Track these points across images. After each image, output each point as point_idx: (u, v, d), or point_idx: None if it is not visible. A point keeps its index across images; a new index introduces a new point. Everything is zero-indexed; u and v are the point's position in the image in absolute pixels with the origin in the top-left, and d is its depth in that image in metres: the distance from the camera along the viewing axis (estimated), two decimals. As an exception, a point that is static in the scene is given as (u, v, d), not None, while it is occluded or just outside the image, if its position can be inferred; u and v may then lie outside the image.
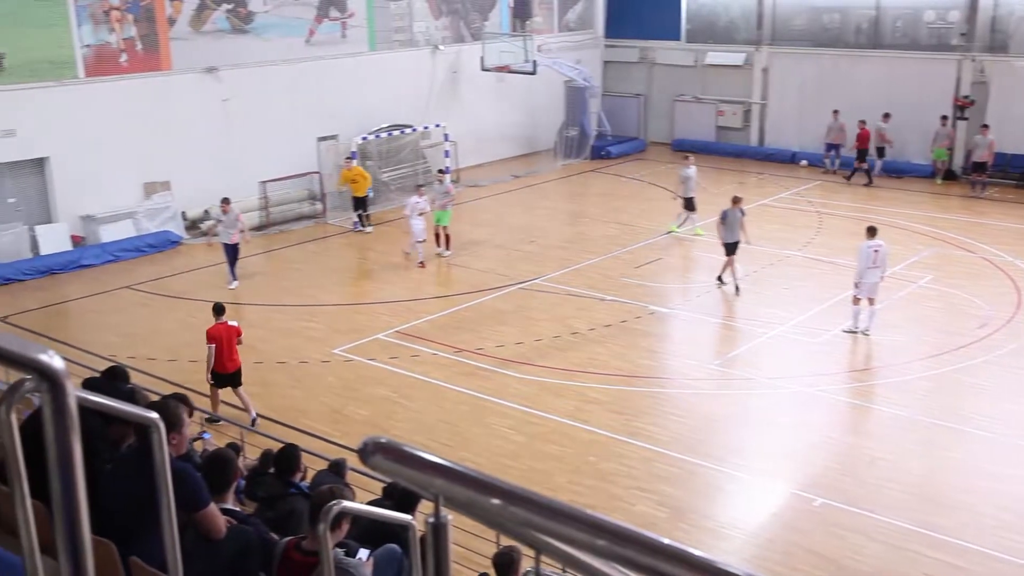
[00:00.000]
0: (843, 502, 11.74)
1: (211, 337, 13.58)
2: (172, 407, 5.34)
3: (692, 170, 22.66)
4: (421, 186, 21.88)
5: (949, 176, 28.55)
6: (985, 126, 27.31)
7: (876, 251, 16.63)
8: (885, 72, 29.63)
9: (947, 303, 18.55)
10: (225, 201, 19.67)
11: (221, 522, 5.20)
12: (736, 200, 19.52)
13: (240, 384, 13.85)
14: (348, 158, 24.27)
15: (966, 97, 28.46)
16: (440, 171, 23.71)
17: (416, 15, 29.15)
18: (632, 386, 15.20)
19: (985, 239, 22.65)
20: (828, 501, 11.78)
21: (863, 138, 28.26)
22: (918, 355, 16.11)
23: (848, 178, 28.63)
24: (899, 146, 28.55)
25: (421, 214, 20.83)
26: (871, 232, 16.87)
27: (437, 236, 21.79)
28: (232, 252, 19.61)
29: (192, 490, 5.01)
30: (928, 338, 16.85)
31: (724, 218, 19.23)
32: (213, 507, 5.14)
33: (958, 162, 28.59)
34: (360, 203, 23.91)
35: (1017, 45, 28.27)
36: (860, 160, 28.33)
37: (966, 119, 28.36)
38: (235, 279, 19.71)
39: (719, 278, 19.40)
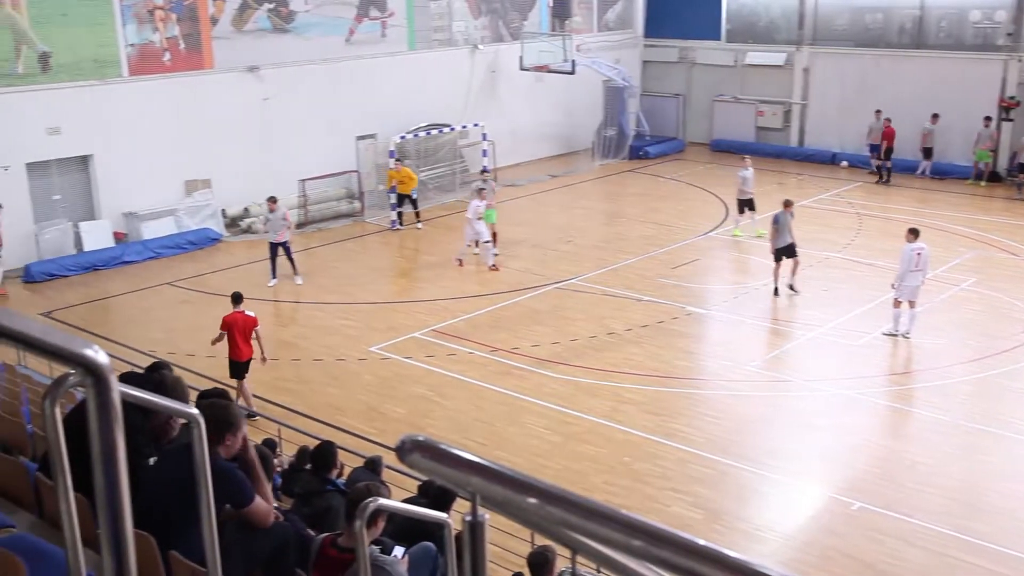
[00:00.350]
0: (881, 506, 11.61)
1: (224, 324, 13.77)
2: (230, 409, 5.28)
3: (749, 171, 22.40)
4: (482, 189, 21.29)
5: (994, 178, 28.14)
6: (1032, 127, 26.97)
7: (919, 254, 16.37)
8: (928, 73, 29.24)
9: (990, 306, 18.28)
10: (272, 200, 19.71)
11: (267, 512, 5.18)
12: (787, 204, 19.22)
13: (244, 376, 13.92)
14: (397, 160, 24.34)
15: (1012, 98, 28.02)
16: (483, 171, 23.57)
17: (455, 14, 29.21)
18: (668, 387, 15.14)
19: (1030, 242, 22.30)
20: (866, 505, 11.66)
21: (888, 136, 28.21)
22: (960, 359, 15.89)
23: (884, 180, 28.35)
24: (943, 148, 28.18)
25: (480, 218, 20.62)
26: (914, 234, 16.59)
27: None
28: (275, 250, 19.69)
29: (236, 489, 4.99)
30: (970, 342, 16.61)
31: (776, 222, 18.89)
32: (259, 501, 5.12)
33: (1002, 164, 28.17)
34: (402, 200, 24.00)
35: (1065, 45, 27.82)
36: (885, 158, 28.38)
37: (1011, 120, 27.93)
38: (275, 277, 19.83)
39: (790, 286, 18.82)
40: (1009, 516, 11.41)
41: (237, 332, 13.69)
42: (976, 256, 21.29)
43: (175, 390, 5.73)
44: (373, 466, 8.85)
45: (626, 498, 11.66)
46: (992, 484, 12.23)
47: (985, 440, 13.36)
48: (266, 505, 5.19)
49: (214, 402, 5.34)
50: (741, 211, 22.76)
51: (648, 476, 12.42)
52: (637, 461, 12.80)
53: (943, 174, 28.51)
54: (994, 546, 10.78)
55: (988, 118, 27.95)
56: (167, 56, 22.83)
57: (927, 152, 28.40)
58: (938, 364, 15.70)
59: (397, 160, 24.30)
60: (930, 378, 15.26)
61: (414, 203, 24.17)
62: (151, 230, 22.27)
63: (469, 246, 20.94)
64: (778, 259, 18.75)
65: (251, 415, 13.21)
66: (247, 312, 13.94)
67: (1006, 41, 28.37)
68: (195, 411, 3.05)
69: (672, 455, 12.94)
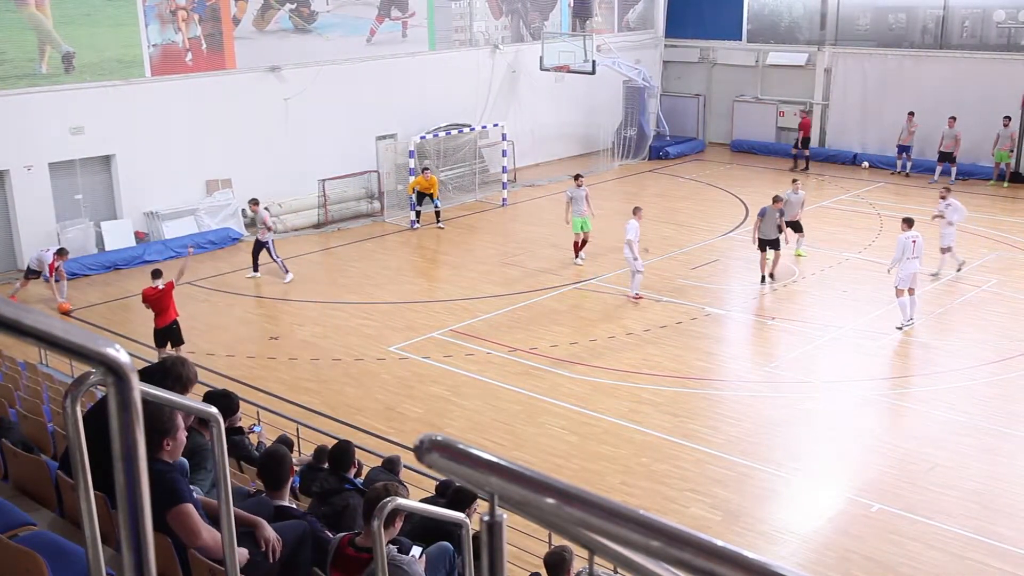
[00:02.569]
0: (901, 508, 11.54)
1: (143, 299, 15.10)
2: (165, 414, 4.92)
3: (800, 194, 21.48)
4: (638, 208, 19.48)
5: (1016, 179, 27.92)
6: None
7: (914, 241, 16.93)
8: (952, 73, 29.03)
9: (1011, 308, 18.13)
10: (254, 201, 20.46)
11: (197, 527, 4.79)
12: (776, 200, 19.67)
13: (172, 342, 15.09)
14: (424, 168, 24.38)
15: (1035, 98, 27.80)
16: (576, 176, 21.89)
17: (476, 15, 29.24)
18: (686, 388, 15.09)
19: (1053, 243, 22.11)
20: (885, 507, 11.59)
21: (804, 127, 30.12)
22: (981, 360, 15.77)
23: (804, 168, 29.71)
24: (967, 148, 27.94)
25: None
26: (908, 223, 17.20)
27: (576, 244, 21.16)
28: (259, 247, 20.22)
29: (165, 490, 4.72)
30: (992, 343, 16.49)
31: (762, 215, 19.44)
32: (191, 510, 4.80)
33: (1025, 164, 27.95)
34: (421, 199, 24.08)
35: (1089, 45, 27.56)
36: (803, 147, 30.18)
37: (1035, 121, 27.70)
38: (256, 271, 20.43)
39: (771, 275, 19.62)
40: (1031, 520, 11.31)
41: (152, 304, 14.88)
42: (998, 257, 21.12)
43: (177, 374, 5.71)
44: (391, 466, 8.87)
45: (644, 499, 11.63)
46: (1013, 487, 12.12)
47: (1006, 442, 13.25)
48: (204, 527, 4.81)
49: (148, 409, 5.04)
50: (797, 230, 21.34)
51: (666, 477, 12.39)
52: (655, 462, 12.77)
53: (967, 175, 28.28)
54: (1016, 549, 10.69)
55: (1008, 118, 27.73)
56: (189, 56, 22.97)
57: (945, 156, 28.00)
58: (960, 365, 15.59)
59: (425, 169, 24.39)
60: (951, 380, 15.15)
61: (435, 204, 24.23)
62: (172, 229, 22.40)
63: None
64: (762, 249, 19.49)
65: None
66: (158, 286, 14.84)
67: (1030, 41, 28.13)
68: (214, 410, 3.07)
69: (691, 456, 12.90)
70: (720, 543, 1.64)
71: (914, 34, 30.59)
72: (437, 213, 24.27)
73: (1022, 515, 11.43)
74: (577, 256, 21.10)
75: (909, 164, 29.02)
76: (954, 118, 27.77)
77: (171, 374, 5.74)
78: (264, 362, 16.12)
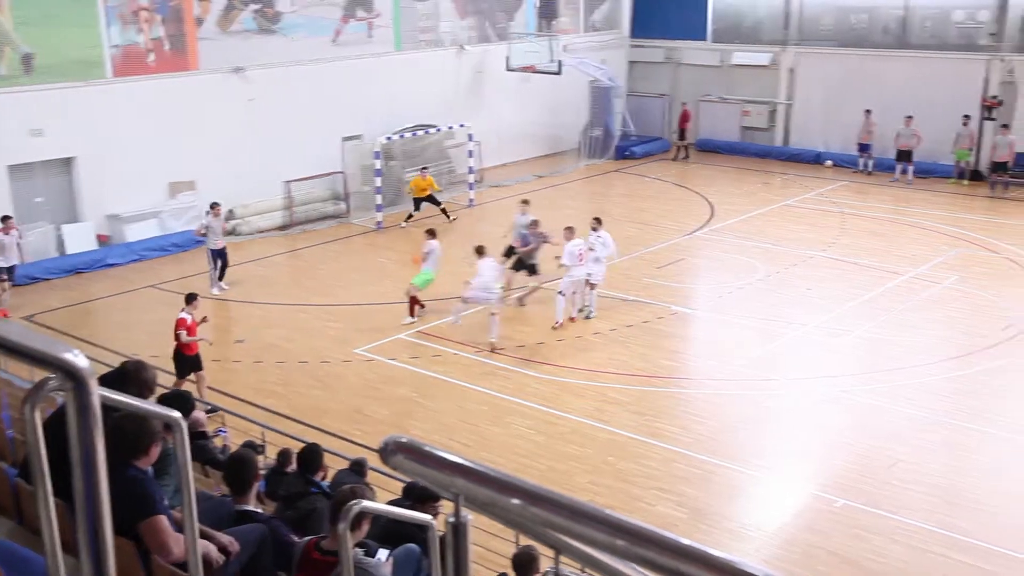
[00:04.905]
0: (865, 503, 11.67)
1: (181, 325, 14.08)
2: (150, 422, 4.88)
3: (527, 218, 19.24)
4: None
5: (976, 177, 28.31)
6: (1005, 126, 27.21)
7: (590, 249, 17.42)
8: (913, 72, 29.39)
9: (971, 304, 18.39)
10: (215, 205, 19.57)
11: (166, 540, 4.71)
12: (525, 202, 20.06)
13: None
14: (423, 168, 24.70)
15: (994, 97, 28.20)
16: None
17: (442, 15, 29.19)
18: (653, 386, 15.16)
19: (1010, 239, 22.45)
20: (849, 502, 11.71)
21: (684, 118, 31.79)
22: (942, 356, 15.98)
23: (683, 156, 31.38)
24: (928, 147, 28.28)
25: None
26: (570, 232, 17.54)
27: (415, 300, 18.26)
28: (217, 257, 19.47)
29: (139, 498, 4.69)
30: (953, 339, 16.73)
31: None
32: (164, 521, 4.72)
33: (983, 163, 28.33)
34: (418, 204, 24.19)
35: (1046, 45, 28.01)
36: (681, 139, 31.94)
37: (993, 119, 28.10)
38: (223, 284, 19.64)
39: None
40: (991, 512, 11.48)
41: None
42: (958, 254, 21.41)
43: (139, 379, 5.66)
44: (358, 468, 8.83)
45: (611, 498, 11.67)
46: (975, 481, 12.30)
47: (968, 437, 13.44)
48: (173, 535, 4.75)
49: (129, 415, 4.74)
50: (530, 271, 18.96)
51: (633, 476, 12.44)
52: (622, 461, 12.82)
53: (928, 173, 28.63)
54: (977, 542, 10.85)
55: (967, 117, 28.12)
56: (152, 57, 22.73)
57: (903, 155, 28.34)
58: (921, 362, 15.79)
59: (424, 168, 24.61)
60: (913, 376, 15.33)
61: (435, 203, 24.39)
62: (135, 232, 22.15)
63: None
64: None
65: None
66: (180, 314, 14.14)
67: (988, 41, 28.54)
68: (177, 413, 3.03)
69: (657, 455, 12.96)
70: (685, 541, 1.65)
71: (876, 34, 30.94)
72: (443, 210, 24.35)
73: (982, 508, 11.59)
74: (413, 315, 17.80)
75: (871, 162, 29.34)
76: (910, 117, 28.11)
77: (131, 378, 5.69)
78: (229, 366, 15.99)
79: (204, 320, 14.28)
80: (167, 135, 22.61)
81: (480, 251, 17.15)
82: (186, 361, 14.08)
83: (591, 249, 17.73)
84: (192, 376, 14.16)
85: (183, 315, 14.01)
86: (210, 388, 14.46)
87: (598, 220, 18.52)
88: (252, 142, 24.13)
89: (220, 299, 19.25)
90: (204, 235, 19.53)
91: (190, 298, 14.33)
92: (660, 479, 12.35)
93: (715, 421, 14.05)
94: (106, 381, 5.63)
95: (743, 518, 11.76)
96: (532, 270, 18.81)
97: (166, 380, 13.25)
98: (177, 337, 13.93)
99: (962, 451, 13.13)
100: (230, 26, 24.13)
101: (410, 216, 24.28)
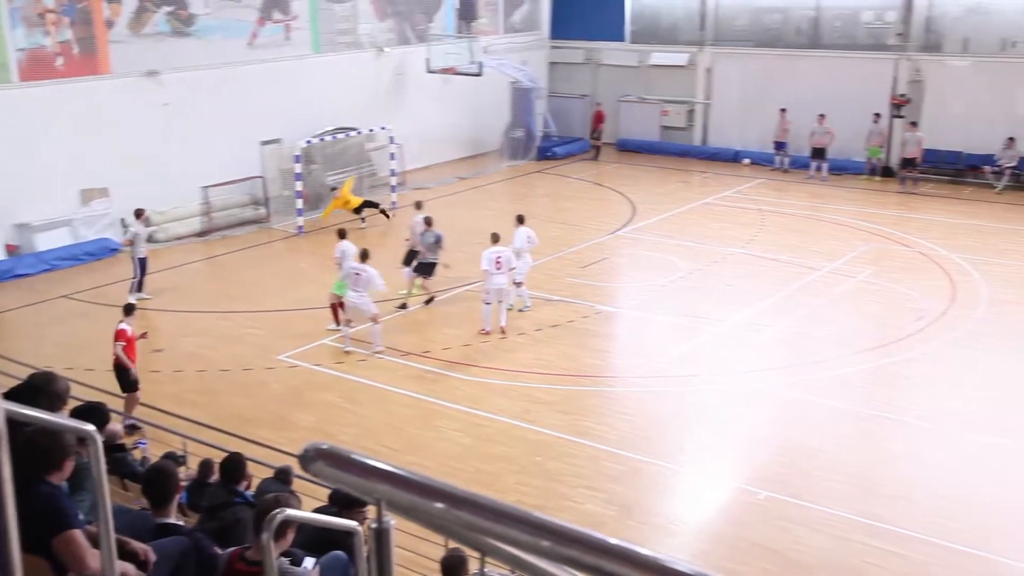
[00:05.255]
0: (787, 495, 11.90)
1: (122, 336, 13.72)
2: (65, 436, 4.77)
3: (418, 218, 19.07)
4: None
5: (887, 173, 29.12)
6: (913, 123, 28.09)
7: (499, 259, 16.96)
8: (825, 71, 30.12)
9: (885, 297, 18.90)
10: (140, 212, 19.23)
11: (84, 554, 4.60)
12: (418, 203, 20.05)
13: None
14: (333, 188, 24.91)
15: (902, 95, 29.07)
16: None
17: (361, 17, 28.96)
18: (579, 386, 15.25)
19: (921, 234, 23.14)
20: (772, 494, 11.93)
21: (598, 118, 32.43)
22: (857, 348, 16.39)
23: (594, 159, 32.08)
24: (840, 144, 29.00)
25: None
26: (495, 239, 17.37)
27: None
28: (143, 265, 19.12)
29: (54, 512, 4.59)
30: (867, 332, 17.17)
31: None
32: (80, 536, 4.60)
33: (894, 159, 29.16)
34: (360, 210, 24.03)
35: (951, 45, 28.96)
36: (595, 137, 32.65)
37: (902, 117, 28.95)
38: (142, 293, 19.17)
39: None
40: (906, 499, 11.81)
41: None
42: (872, 249, 21.98)
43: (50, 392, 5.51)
44: (283, 476, 8.71)
45: (540, 498, 11.71)
46: (890, 469, 12.65)
47: (883, 427, 13.81)
48: (89, 549, 4.61)
49: (41, 430, 4.57)
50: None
51: (561, 475, 12.49)
52: (550, 460, 12.86)
53: (841, 170, 29.36)
54: (892, 528, 11.15)
55: (877, 115, 28.93)
56: (60, 61, 22.10)
57: (817, 152, 29.01)
58: (837, 354, 16.16)
59: (333, 189, 24.68)
60: (830, 368, 15.69)
61: (373, 206, 24.35)
62: (45, 241, 21.50)
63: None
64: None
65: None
66: (120, 325, 13.77)
67: (896, 41, 29.38)
68: (90, 427, 2.95)
69: (585, 453, 13.04)
70: (611, 540, 1.65)
71: (789, 34, 31.63)
72: (383, 211, 24.39)
73: (898, 496, 11.92)
74: (338, 322, 17.13)
75: (787, 160, 29.97)
76: (823, 115, 28.81)
77: (42, 391, 5.52)
78: (147, 375, 15.58)
79: (144, 336, 13.93)
80: (78, 141, 22.01)
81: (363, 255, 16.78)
82: (127, 374, 13.73)
83: (517, 255, 17.67)
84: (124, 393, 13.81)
85: (123, 327, 13.69)
86: (124, 399, 14.11)
87: (520, 218, 18.60)
88: (168, 147, 23.64)
89: (139, 308, 18.76)
90: (131, 243, 19.11)
91: (128, 309, 14.02)
92: (588, 477, 12.43)
93: (641, 418, 14.19)
94: (16, 395, 5.46)
95: (670, 513, 11.91)
96: (427, 271, 18.52)
97: (82, 393, 12.89)
98: (116, 349, 13.59)
99: (878, 440, 13.50)
100: (142, 28, 23.60)
101: (363, 219, 24.13)
